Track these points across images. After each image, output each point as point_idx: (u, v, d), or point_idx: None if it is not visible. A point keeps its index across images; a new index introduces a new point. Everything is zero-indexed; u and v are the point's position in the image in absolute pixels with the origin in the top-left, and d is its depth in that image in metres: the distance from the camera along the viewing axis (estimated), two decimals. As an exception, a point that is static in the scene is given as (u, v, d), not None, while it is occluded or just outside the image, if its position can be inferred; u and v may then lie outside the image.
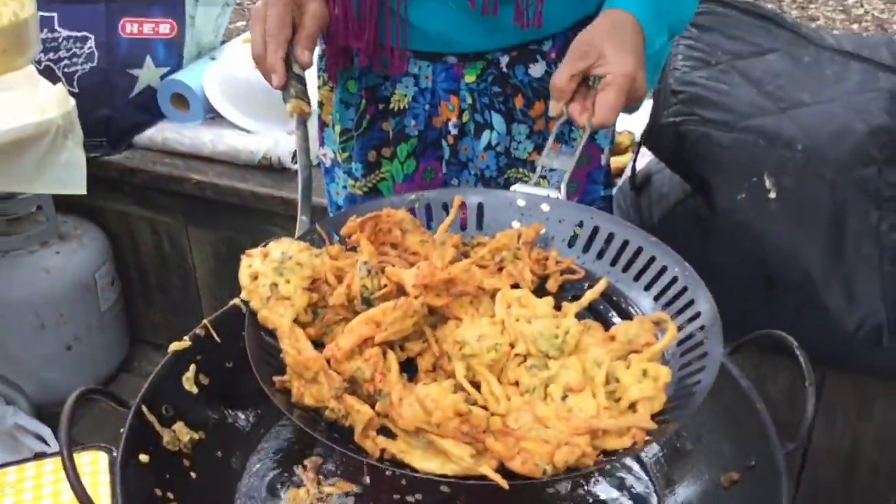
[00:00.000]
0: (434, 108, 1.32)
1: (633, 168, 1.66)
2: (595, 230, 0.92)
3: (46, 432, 1.97)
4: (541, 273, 0.86)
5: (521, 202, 0.95)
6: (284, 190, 1.98)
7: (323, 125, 1.44)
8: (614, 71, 1.04)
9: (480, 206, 0.96)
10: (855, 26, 3.64)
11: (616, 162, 1.91)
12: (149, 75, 2.11)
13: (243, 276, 0.79)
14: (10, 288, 2.03)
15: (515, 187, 0.99)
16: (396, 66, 1.27)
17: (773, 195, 1.29)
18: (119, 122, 2.10)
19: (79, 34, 1.99)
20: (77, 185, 1.37)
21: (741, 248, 1.33)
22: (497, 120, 1.30)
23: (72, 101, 1.39)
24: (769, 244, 1.31)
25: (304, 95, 1.10)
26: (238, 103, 2.11)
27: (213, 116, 2.15)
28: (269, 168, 2.04)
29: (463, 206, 0.94)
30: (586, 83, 1.08)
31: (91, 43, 2.00)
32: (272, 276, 0.77)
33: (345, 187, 1.44)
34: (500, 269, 0.86)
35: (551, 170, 1.06)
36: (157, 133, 2.13)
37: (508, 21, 1.20)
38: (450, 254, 0.84)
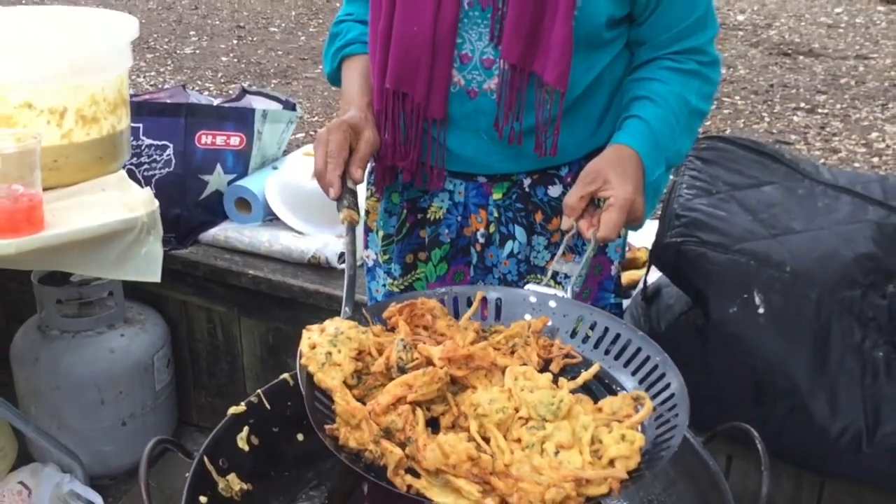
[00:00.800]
0: (465, 220, 1.53)
1: (645, 281, 1.85)
2: (593, 324, 1.10)
3: (98, 501, 2.13)
4: (546, 356, 1.04)
5: (532, 299, 1.15)
6: (330, 286, 2.20)
7: (368, 230, 1.65)
8: (616, 195, 1.25)
9: (498, 301, 1.15)
10: (875, 159, 3.84)
11: (633, 275, 2.11)
12: (217, 181, 2.37)
13: (304, 346, 0.99)
14: (77, 365, 2.24)
15: (528, 286, 1.19)
16: (434, 182, 1.49)
17: (761, 310, 1.46)
18: (188, 220, 2.35)
19: (160, 143, 2.27)
20: (153, 274, 1.59)
21: (734, 356, 1.49)
22: (519, 232, 1.50)
23: (156, 203, 1.62)
24: (758, 355, 1.47)
25: (355, 206, 1.31)
26: (294, 208, 2.36)
27: (271, 219, 2.40)
28: (318, 266, 2.26)
29: (484, 300, 1.14)
30: (594, 203, 1.27)
31: (170, 151, 2.28)
32: (327, 346, 0.96)
33: (384, 285, 1.64)
34: (513, 353, 1.04)
35: (566, 276, 1.25)
36: (220, 232, 2.37)
37: (530, 150, 1.41)
38: (470, 337, 1.03)
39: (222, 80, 5.20)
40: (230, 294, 2.36)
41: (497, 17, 1.34)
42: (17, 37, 1.74)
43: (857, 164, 3.65)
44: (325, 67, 1.57)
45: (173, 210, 2.32)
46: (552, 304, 1.14)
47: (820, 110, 4.53)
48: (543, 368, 1.03)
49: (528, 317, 1.12)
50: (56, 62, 1.54)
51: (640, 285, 1.90)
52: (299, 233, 2.34)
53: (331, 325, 1.01)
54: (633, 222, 1.29)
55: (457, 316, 1.13)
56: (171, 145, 2.28)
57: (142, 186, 2.22)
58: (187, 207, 2.34)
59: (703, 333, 1.55)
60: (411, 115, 1.41)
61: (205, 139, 2.32)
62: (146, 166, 2.27)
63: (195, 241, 2.39)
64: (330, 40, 1.56)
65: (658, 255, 1.62)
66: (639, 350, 1.06)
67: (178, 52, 5.85)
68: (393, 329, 1.04)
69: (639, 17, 1.40)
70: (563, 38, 1.31)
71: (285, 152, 2.63)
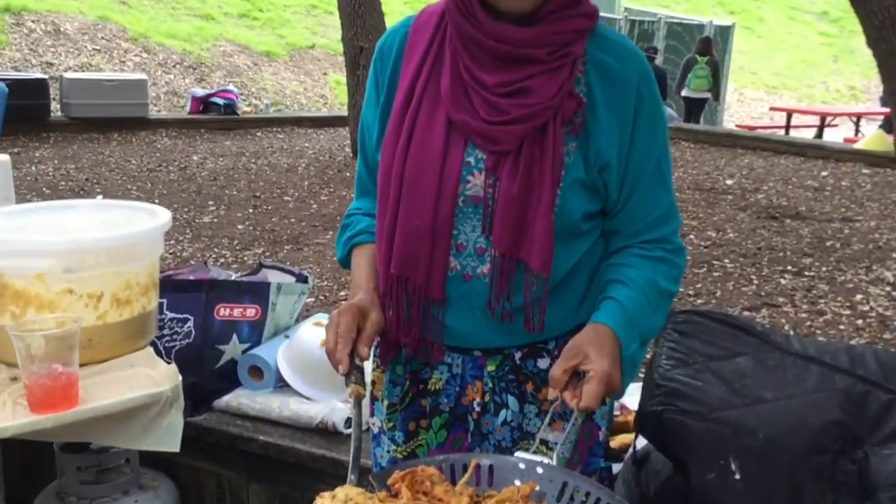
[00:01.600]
0: (463, 390, 1.66)
1: (634, 446, 1.96)
2: (575, 488, 1.23)
3: None
4: (531, 521, 1.16)
5: (521, 465, 1.27)
6: (335, 451, 2.30)
7: (374, 399, 1.79)
8: (595, 368, 1.40)
9: (491, 468, 1.28)
10: (860, 321, 4.00)
11: (625, 439, 2.23)
12: (233, 350, 2.52)
13: None
14: (90, 530, 2.31)
15: (518, 454, 1.32)
16: (435, 356, 1.63)
17: (738, 476, 1.57)
18: (203, 388, 2.49)
19: (181, 316, 2.44)
20: (173, 444, 1.71)
21: (714, 518, 1.59)
22: (512, 401, 1.64)
23: (179, 377, 1.77)
24: (737, 517, 1.57)
25: (361, 381, 1.46)
26: (303, 375, 2.50)
27: (281, 385, 2.53)
28: (325, 431, 2.38)
29: (478, 467, 1.27)
30: (577, 375, 1.43)
31: (190, 324, 2.45)
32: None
33: (388, 451, 1.76)
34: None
35: (553, 443, 1.38)
36: (234, 399, 2.50)
37: (520, 326, 1.57)
38: (465, 501, 1.15)
39: (238, 247, 5.46)
40: (240, 459, 2.46)
41: (488, 213, 1.53)
42: (59, 228, 1.95)
43: (841, 327, 3.80)
44: (338, 254, 1.76)
45: (190, 378, 2.44)
46: (539, 470, 1.26)
47: (806, 273, 4.73)
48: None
49: (517, 482, 1.25)
50: (96, 254, 1.74)
51: (630, 450, 2.01)
52: (308, 398, 2.46)
53: (341, 492, 1.14)
54: (612, 392, 1.43)
55: (453, 481, 1.25)
56: (192, 318, 2.45)
57: (163, 357, 2.39)
58: (204, 376, 2.48)
59: (686, 498, 1.65)
60: (413, 297, 1.56)
61: (223, 311, 2.49)
62: (167, 338, 2.43)
63: (209, 408, 2.51)
64: (342, 230, 1.76)
65: (642, 422, 1.74)
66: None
67: (196, 220, 6.15)
68: (396, 495, 1.17)
69: (611, 212, 1.59)
70: (545, 231, 1.50)
71: (297, 320, 2.79)
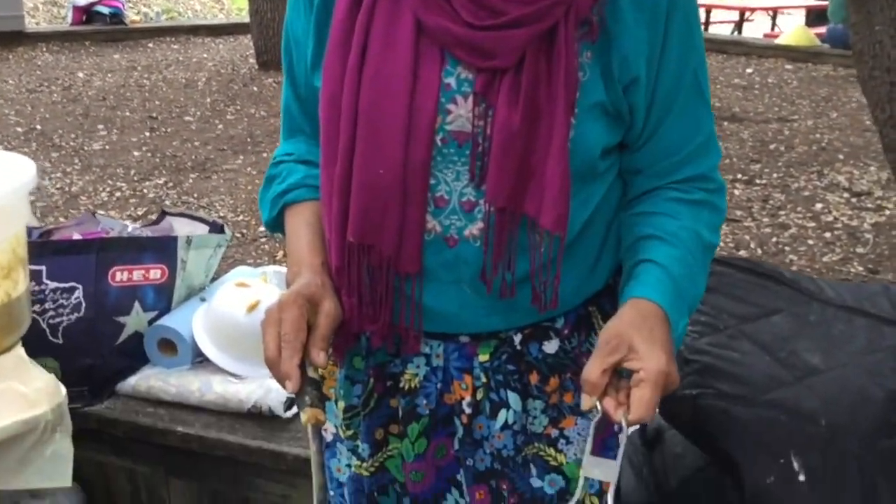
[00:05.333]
0: (446, 386, 1.28)
1: (644, 425, 1.62)
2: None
3: None
4: None
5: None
6: (275, 442, 1.90)
7: (324, 398, 1.38)
8: (648, 367, 1.04)
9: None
10: (828, 234, 3.74)
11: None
12: (136, 321, 2.06)
13: None
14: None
15: (563, 513, 0.93)
16: (411, 346, 1.24)
17: (802, 477, 1.25)
18: (102, 370, 2.03)
19: (66, 286, 1.96)
20: (62, 478, 1.29)
21: (775, 530, 1.27)
22: (513, 398, 1.26)
23: (63, 392, 1.33)
24: (804, 528, 1.25)
25: (319, 403, 1.06)
26: (228, 348, 2.06)
27: (201, 360, 2.09)
28: (260, 417, 1.96)
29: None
30: (618, 373, 1.06)
31: (79, 293, 1.97)
32: None
33: (349, 465, 1.37)
34: None
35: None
36: (142, 381, 2.05)
37: (525, 302, 1.19)
38: None
39: (135, 178, 4.87)
40: (155, 452, 2.03)
41: (478, 154, 1.12)
42: None
43: (810, 242, 3.56)
44: (263, 215, 1.32)
45: (85, 360, 1.99)
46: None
47: (758, 181, 4.48)
48: None
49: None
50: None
51: (638, 426, 1.67)
52: (236, 377, 2.03)
53: None
54: (668, 392, 1.07)
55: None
56: (81, 286, 1.97)
57: (47, 336, 1.92)
58: (101, 356, 2.02)
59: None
60: (379, 271, 1.17)
61: (120, 276, 2.02)
62: (51, 313, 1.95)
63: (112, 394, 2.06)
64: (266, 184, 1.31)
65: (669, 407, 1.39)
66: None
67: (85, 148, 5.51)
68: None
69: (634, 144, 1.21)
70: (559, 175, 1.11)
71: (213, 279, 2.33)
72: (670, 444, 1.55)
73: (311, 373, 1.07)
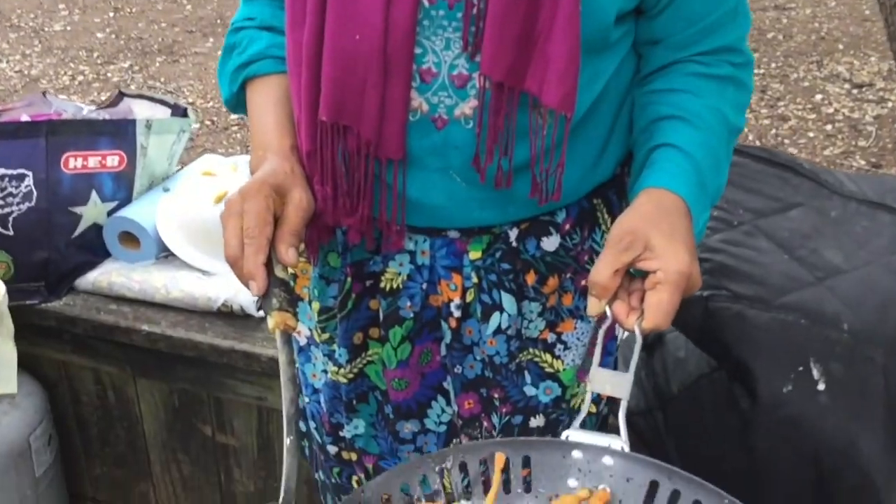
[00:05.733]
0: (433, 287, 1.15)
1: (642, 324, 1.50)
2: (674, 496, 0.74)
3: None
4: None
5: (576, 454, 0.77)
6: (247, 342, 1.77)
7: (297, 298, 1.25)
8: (667, 268, 0.91)
9: (527, 462, 0.77)
10: (829, 127, 3.60)
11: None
12: (94, 212, 1.89)
13: None
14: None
15: (570, 434, 0.81)
16: (394, 242, 1.11)
17: (821, 386, 1.14)
18: (59, 265, 1.88)
19: (15, 172, 1.78)
20: (6, 384, 1.15)
21: (790, 442, 1.17)
22: (507, 300, 1.14)
23: (2, 290, 1.17)
24: (822, 441, 1.15)
25: (289, 306, 0.92)
26: (195, 241, 1.91)
27: (166, 255, 1.94)
28: (231, 316, 1.83)
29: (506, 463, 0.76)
30: (628, 274, 0.94)
31: (29, 181, 1.79)
32: None
33: (325, 371, 1.26)
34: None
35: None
36: (102, 276, 1.90)
37: (523, 194, 1.05)
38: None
39: (98, 62, 4.61)
40: (120, 352, 1.90)
41: (472, 19, 0.96)
42: None
43: (811, 134, 3.41)
44: (223, 91, 1.15)
45: (39, 254, 1.84)
46: (608, 461, 0.76)
47: (756, 70, 4.29)
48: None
49: (572, 482, 0.75)
50: None
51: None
52: (204, 272, 1.89)
53: None
54: (690, 294, 0.95)
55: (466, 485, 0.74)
56: (31, 174, 1.79)
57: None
58: (57, 249, 1.86)
59: (747, 414, 1.21)
60: (357, 156, 1.03)
61: (73, 162, 1.83)
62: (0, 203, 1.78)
63: (71, 290, 1.91)
64: (225, 54, 1.14)
65: (679, 314, 1.26)
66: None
67: (46, 29, 5.19)
68: None
69: (650, 10, 1.05)
70: (567, 46, 0.95)
71: (179, 167, 2.15)
72: (672, 348, 1.43)
73: (278, 272, 0.93)
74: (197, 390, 1.90)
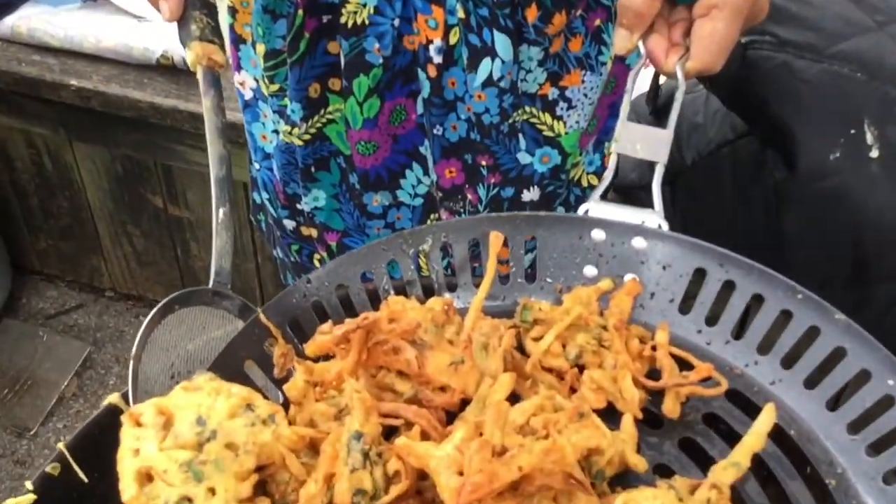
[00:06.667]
0: (407, 24, 0.91)
1: (656, 83, 1.27)
2: (728, 287, 0.55)
3: None
4: (652, 386, 0.50)
5: (597, 234, 0.57)
6: (193, 101, 1.53)
7: (238, 40, 1.01)
8: None
9: (531, 244, 0.58)
10: None
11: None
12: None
13: (126, 479, 0.40)
14: None
15: (589, 206, 0.61)
16: (353, -35, 0.85)
17: (875, 153, 0.94)
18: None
19: None
20: None
21: (829, 221, 0.99)
22: (501, 42, 0.90)
23: None
24: (867, 219, 0.97)
25: (213, 35, 0.69)
26: (127, -20, 1.61)
27: (94, -2, 1.65)
28: (172, 69, 1.57)
29: (504, 244, 0.56)
30: (669, 2, 0.71)
31: None
32: (180, 481, 0.38)
33: (276, 132, 1.04)
34: (580, 370, 0.50)
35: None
36: (21, 21, 1.61)
37: None
38: (497, 362, 0.47)
39: None
40: (51, 111, 1.66)
41: None
42: None
43: None
44: None
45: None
46: (638, 243, 0.57)
47: None
48: (649, 416, 0.49)
49: (591, 271, 0.56)
50: None
51: (644, 87, 1.32)
52: (139, 17, 1.61)
53: (184, 406, 0.41)
54: (748, 26, 0.73)
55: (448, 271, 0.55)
56: None
57: None
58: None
59: (780, 186, 1.02)
60: None
61: None
62: None
63: (-16, 37, 1.64)
64: None
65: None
66: (839, 352, 0.52)
67: None
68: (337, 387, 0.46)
69: None
70: None
71: None
72: (687, 112, 1.22)
73: (199, -11, 0.69)
74: (142, 157, 1.69)
